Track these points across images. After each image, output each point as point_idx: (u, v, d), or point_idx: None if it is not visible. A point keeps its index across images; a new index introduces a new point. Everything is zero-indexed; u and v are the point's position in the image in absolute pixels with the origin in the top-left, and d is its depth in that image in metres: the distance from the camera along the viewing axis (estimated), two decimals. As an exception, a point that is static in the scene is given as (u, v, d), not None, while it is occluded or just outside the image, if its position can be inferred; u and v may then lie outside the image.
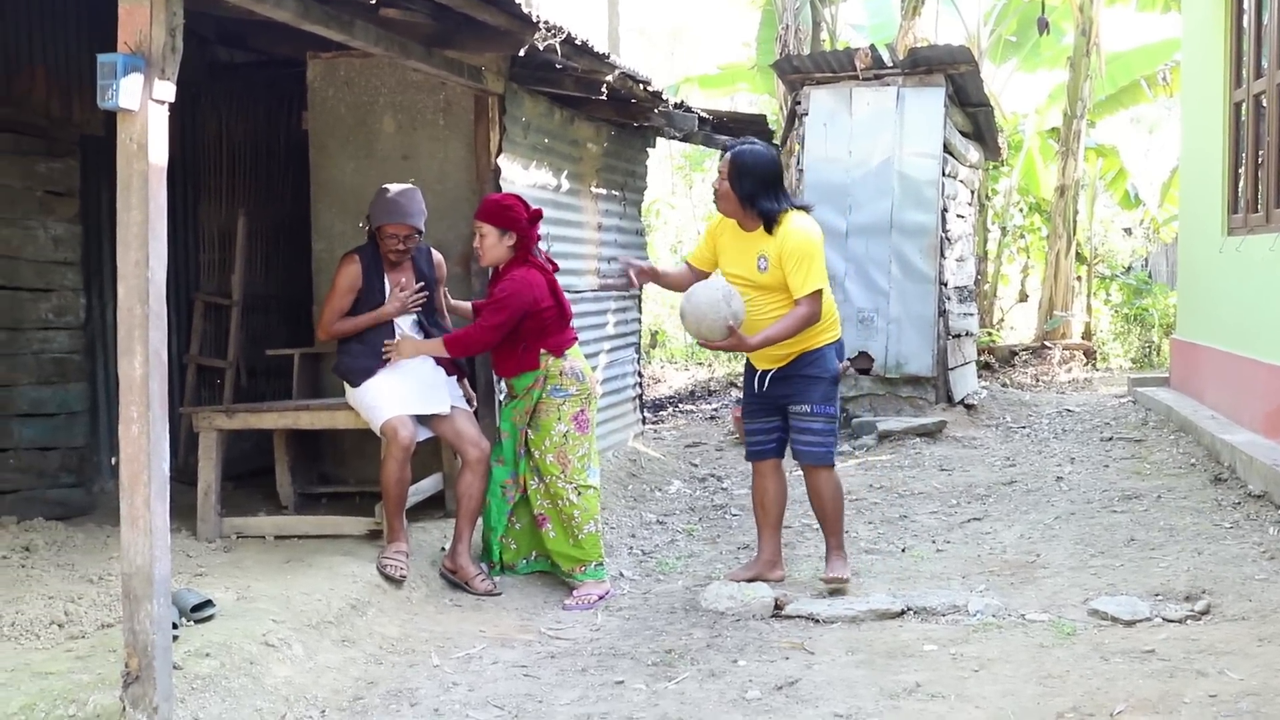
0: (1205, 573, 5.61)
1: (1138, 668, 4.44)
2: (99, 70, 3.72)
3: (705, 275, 5.86)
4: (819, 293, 5.53)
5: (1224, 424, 8.58)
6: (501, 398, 6.17)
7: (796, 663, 4.75)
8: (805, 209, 5.71)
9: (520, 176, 6.97)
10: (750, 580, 5.77)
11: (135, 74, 3.73)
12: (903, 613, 5.31)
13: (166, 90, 3.83)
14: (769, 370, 5.75)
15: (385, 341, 5.82)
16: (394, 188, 5.88)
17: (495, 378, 6.26)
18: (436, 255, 6.15)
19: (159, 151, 3.85)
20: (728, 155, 5.63)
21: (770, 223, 5.54)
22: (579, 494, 5.98)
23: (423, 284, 5.93)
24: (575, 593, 5.94)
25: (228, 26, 7.20)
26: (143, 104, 3.77)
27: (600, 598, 5.89)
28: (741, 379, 14.99)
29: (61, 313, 6.50)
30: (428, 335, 5.97)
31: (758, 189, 5.53)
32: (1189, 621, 5.00)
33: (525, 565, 6.15)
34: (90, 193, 6.72)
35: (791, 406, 5.75)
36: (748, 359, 5.90)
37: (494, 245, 5.79)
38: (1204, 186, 10.13)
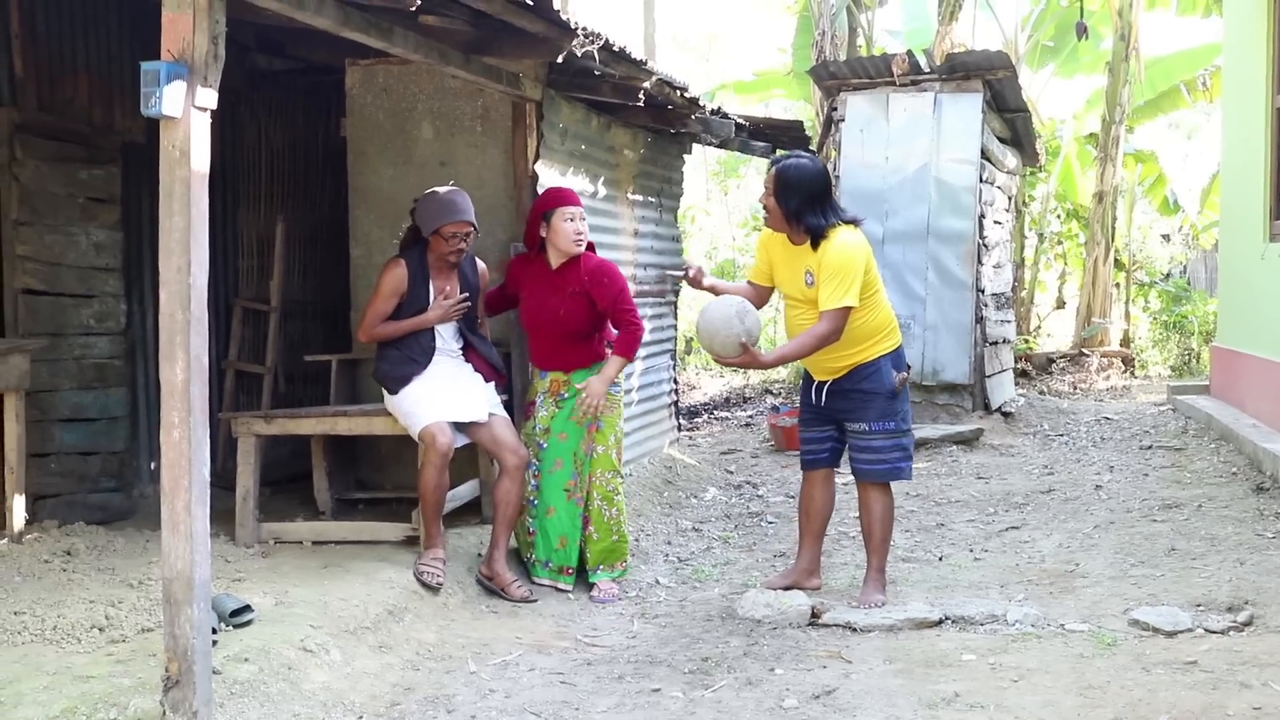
0: (1248, 583, 5.55)
1: (1180, 679, 4.39)
2: (142, 78, 3.75)
3: (768, 291, 5.81)
4: (845, 311, 5.36)
5: (1266, 432, 8.49)
6: (547, 404, 6.14)
7: (834, 671, 4.72)
8: (855, 223, 5.56)
9: (557, 182, 6.97)
10: (787, 588, 5.74)
11: (178, 81, 3.76)
12: (941, 622, 5.27)
13: (209, 97, 3.86)
14: (825, 382, 5.66)
15: (577, 407, 6.03)
16: (442, 190, 5.91)
17: (539, 374, 6.19)
18: (480, 264, 6.16)
19: (201, 158, 3.87)
20: (772, 170, 5.53)
21: (816, 238, 5.43)
22: (622, 487, 6.21)
23: (466, 294, 5.94)
24: (602, 586, 6.09)
25: (267, 34, 7.25)
26: (185, 111, 3.80)
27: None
28: (777, 386, 14.85)
29: (103, 318, 6.56)
30: (467, 343, 5.99)
31: (803, 205, 5.41)
32: (1231, 633, 4.94)
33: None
34: (131, 199, 6.78)
35: (848, 424, 5.66)
36: (805, 369, 5.82)
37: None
38: (1245, 192, 10.03)
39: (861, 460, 5.66)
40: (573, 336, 6.06)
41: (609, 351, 6.13)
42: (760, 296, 5.80)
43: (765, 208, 5.58)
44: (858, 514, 6.00)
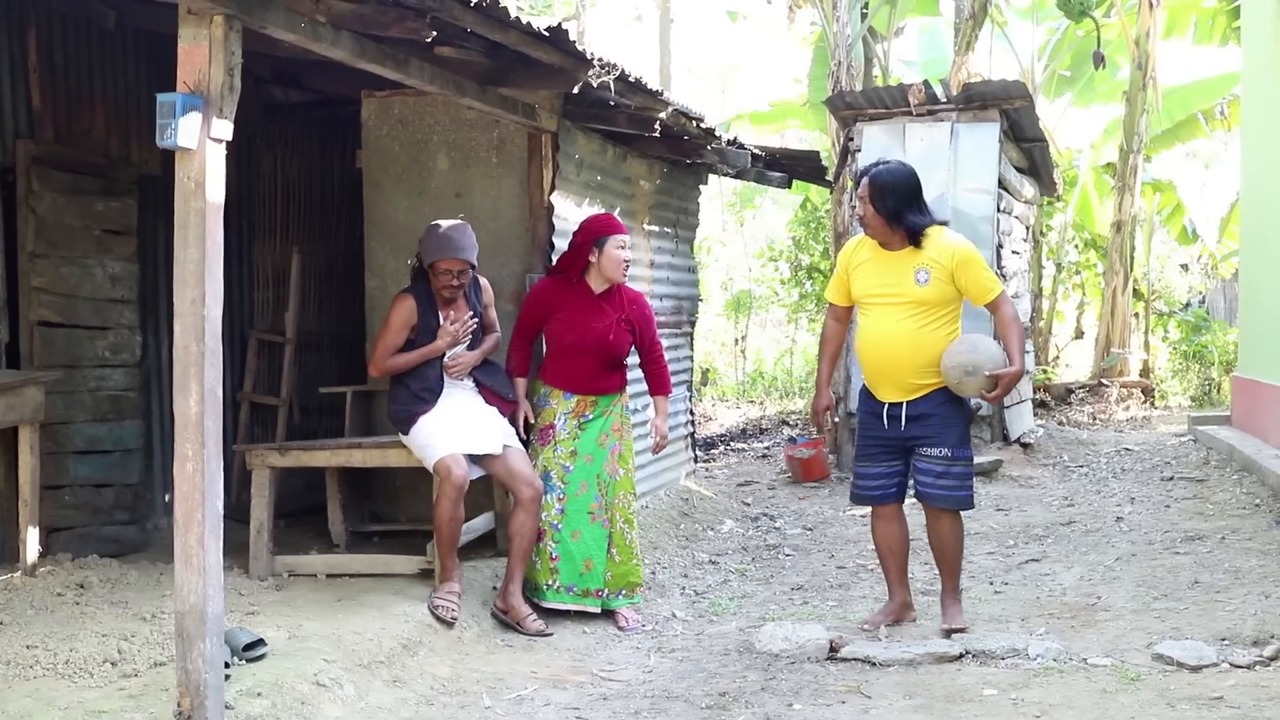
0: (1273, 616, 5.47)
1: (1206, 715, 4.31)
2: (158, 109, 3.76)
3: (850, 310, 5.75)
4: (1005, 292, 5.44)
5: (1289, 463, 8.41)
6: (569, 426, 6.10)
7: (853, 707, 4.66)
8: (945, 224, 5.57)
9: (573, 214, 6.96)
10: (891, 625, 5.66)
11: (194, 113, 3.76)
12: (961, 656, 5.20)
13: (224, 129, 3.86)
14: (898, 408, 5.48)
15: (654, 451, 6.36)
16: (445, 223, 5.89)
17: (562, 395, 6.09)
18: (483, 280, 6.14)
19: (216, 190, 3.87)
20: (865, 178, 5.48)
21: (917, 236, 5.39)
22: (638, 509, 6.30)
23: (473, 313, 5.93)
24: (627, 615, 6.07)
25: (283, 66, 7.27)
26: (200, 143, 3.80)
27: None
28: (794, 417, 14.71)
29: (118, 350, 6.55)
30: (479, 365, 5.98)
31: (901, 204, 5.38)
32: (1258, 667, 4.86)
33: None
34: (147, 231, 6.79)
35: (926, 449, 5.48)
36: (866, 392, 5.63)
37: None
38: (1266, 220, 9.99)
39: (942, 487, 5.50)
40: (615, 362, 6.14)
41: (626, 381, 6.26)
42: (849, 317, 5.81)
43: (861, 218, 5.51)
44: (881, 544, 5.89)
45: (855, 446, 5.81)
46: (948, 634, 5.48)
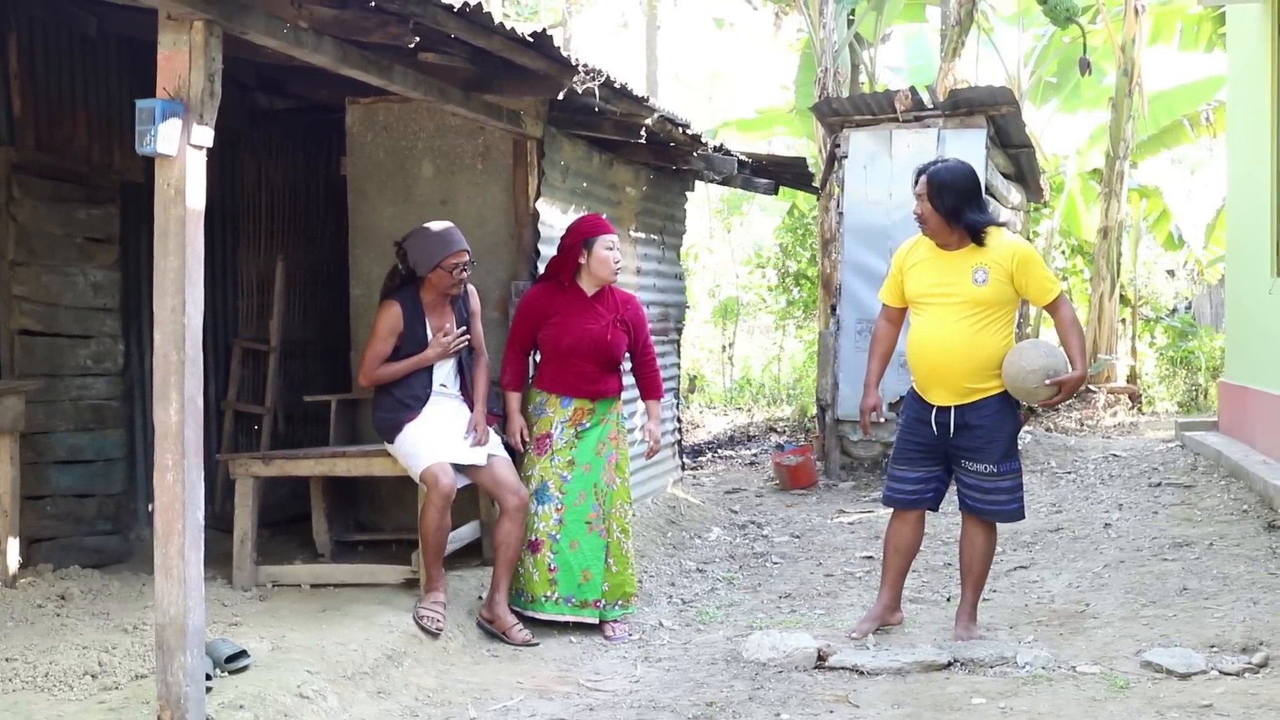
0: (1262, 623, 5.45)
1: (1195, 723, 4.30)
2: (137, 115, 3.74)
3: (904, 311, 5.70)
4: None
5: (1277, 469, 8.39)
6: (565, 434, 6.05)
7: (841, 716, 4.63)
8: (1004, 225, 5.52)
9: (559, 220, 6.93)
10: (876, 630, 5.63)
11: (173, 119, 3.74)
12: (949, 664, 5.17)
13: (204, 135, 3.83)
14: (946, 414, 5.43)
15: (647, 457, 6.34)
16: (431, 225, 5.84)
17: (559, 403, 6.03)
18: (470, 288, 6.06)
19: (196, 197, 3.84)
20: (923, 177, 5.41)
21: (979, 234, 5.34)
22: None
23: (464, 328, 5.88)
24: (614, 625, 6.03)
25: (267, 73, 7.24)
26: (180, 149, 3.77)
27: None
28: (781, 424, 14.68)
29: (100, 359, 6.50)
30: (469, 377, 5.94)
31: (961, 203, 5.32)
32: (1246, 674, 4.84)
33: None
34: (130, 239, 6.74)
35: (969, 463, 5.43)
36: (916, 395, 5.57)
37: None
38: (1252, 226, 9.99)
39: (990, 502, 5.46)
40: (614, 363, 6.09)
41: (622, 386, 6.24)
42: (901, 319, 5.75)
43: (919, 216, 5.44)
44: (867, 554, 5.90)
45: (894, 448, 5.75)
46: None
